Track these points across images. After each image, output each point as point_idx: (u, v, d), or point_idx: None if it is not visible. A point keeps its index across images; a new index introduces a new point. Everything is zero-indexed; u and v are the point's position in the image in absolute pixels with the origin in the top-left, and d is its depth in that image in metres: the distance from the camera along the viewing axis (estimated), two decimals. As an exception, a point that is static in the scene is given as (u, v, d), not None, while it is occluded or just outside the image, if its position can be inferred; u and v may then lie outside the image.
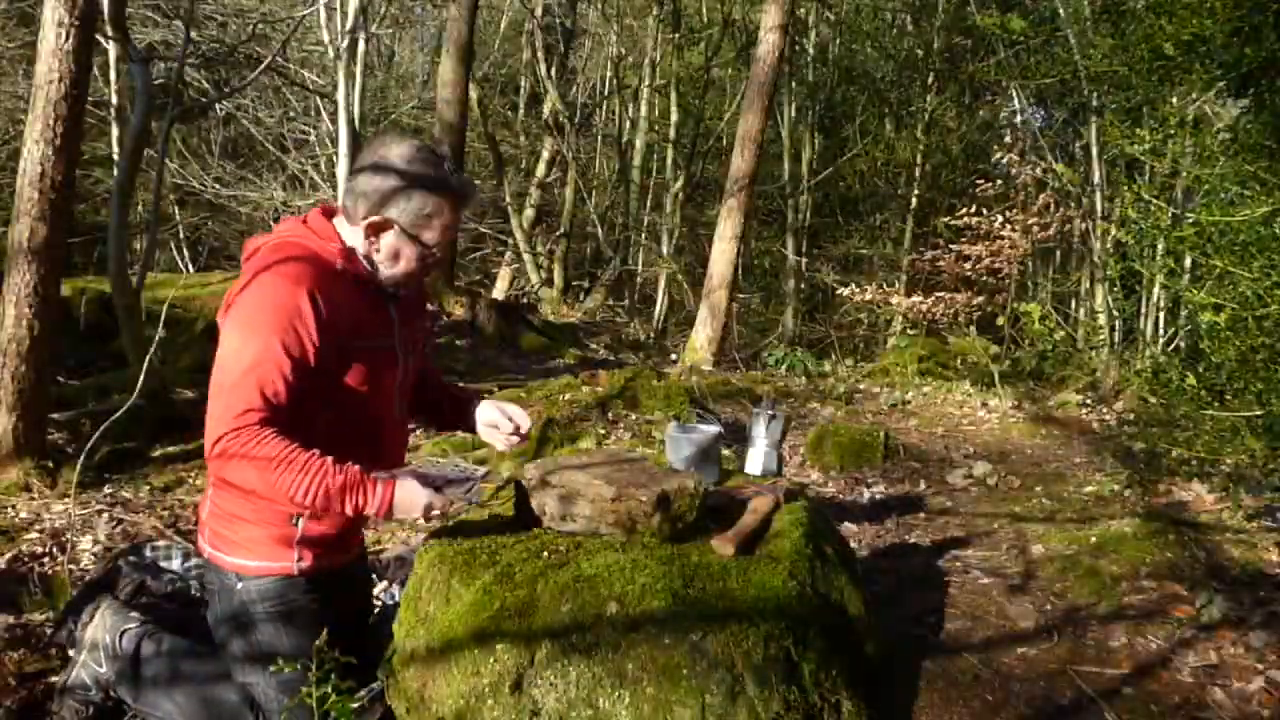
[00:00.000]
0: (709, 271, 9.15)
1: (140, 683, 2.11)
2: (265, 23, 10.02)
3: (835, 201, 15.88)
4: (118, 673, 2.14)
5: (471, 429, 2.25)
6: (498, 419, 2.19)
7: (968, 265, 9.08)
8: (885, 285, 10.57)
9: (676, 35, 14.39)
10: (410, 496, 1.84)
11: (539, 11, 13.81)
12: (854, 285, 10.23)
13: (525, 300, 12.26)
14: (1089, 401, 6.50)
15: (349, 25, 7.40)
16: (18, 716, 2.27)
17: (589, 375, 6.03)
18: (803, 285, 14.61)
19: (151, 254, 6.22)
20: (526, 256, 13.78)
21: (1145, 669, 2.41)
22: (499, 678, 1.71)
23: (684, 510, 2.03)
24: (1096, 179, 9.16)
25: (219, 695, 2.04)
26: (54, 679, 2.35)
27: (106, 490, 4.12)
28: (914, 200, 14.03)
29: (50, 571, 3.18)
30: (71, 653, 2.31)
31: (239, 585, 1.96)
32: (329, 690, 1.57)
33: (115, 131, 9.70)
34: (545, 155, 14.57)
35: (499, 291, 12.27)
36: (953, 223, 9.35)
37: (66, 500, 3.81)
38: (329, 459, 1.80)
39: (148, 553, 2.78)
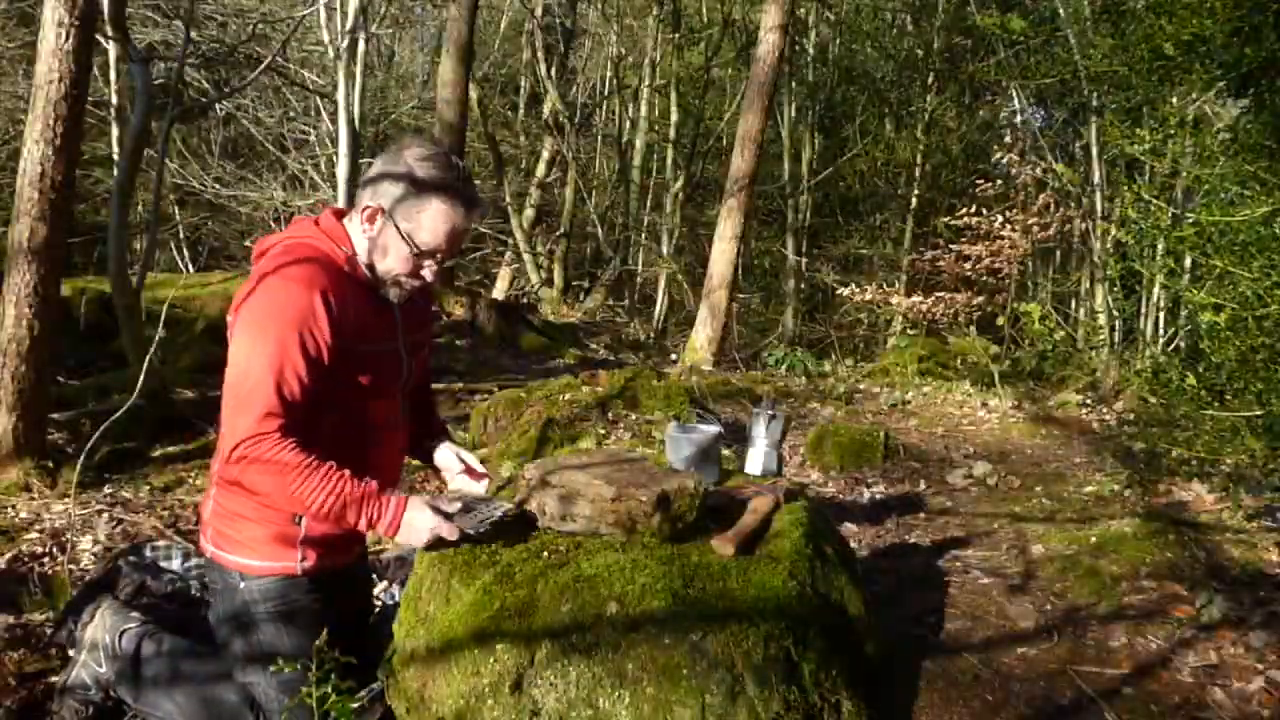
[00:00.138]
0: (709, 271, 9.15)
1: (140, 683, 2.11)
2: (265, 23, 10.02)
3: (835, 201, 15.88)
4: (118, 673, 2.14)
5: (426, 462, 2.29)
6: (453, 463, 2.22)
7: (968, 265, 9.08)
8: (885, 285, 10.57)
9: (676, 35, 14.39)
10: (419, 520, 1.85)
11: (539, 11, 13.81)
12: (854, 285, 10.23)
13: (525, 300, 12.26)
14: (1089, 401, 6.50)
15: (349, 25, 7.39)
16: (18, 716, 2.27)
17: (589, 375, 6.02)
18: (803, 285, 14.61)
19: (151, 254, 6.22)
20: (526, 256, 13.78)
21: (1145, 669, 2.41)
22: (499, 678, 1.71)
23: (684, 510, 2.03)
24: (1096, 179, 9.16)
25: (219, 695, 2.04)
26: (54, 679, 2.35)
27: (106, 490, 4.12)
28: (914, 200, 14.03)
29: (50, 571, 3.18)
30: (71, 653, 2.31)
31: (241, 585, 1.96)
32: (329, 690, 1.57)
33: (115, 131, 9.69)
34: (545, 155, 14.57)
35: (499, 291, 12.27)
36: (953, 223, 9.35)
37: (66, 500, 3.81)
38: (347, 471, 1.81)
39: (148, 553, 2.78)
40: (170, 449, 4.59)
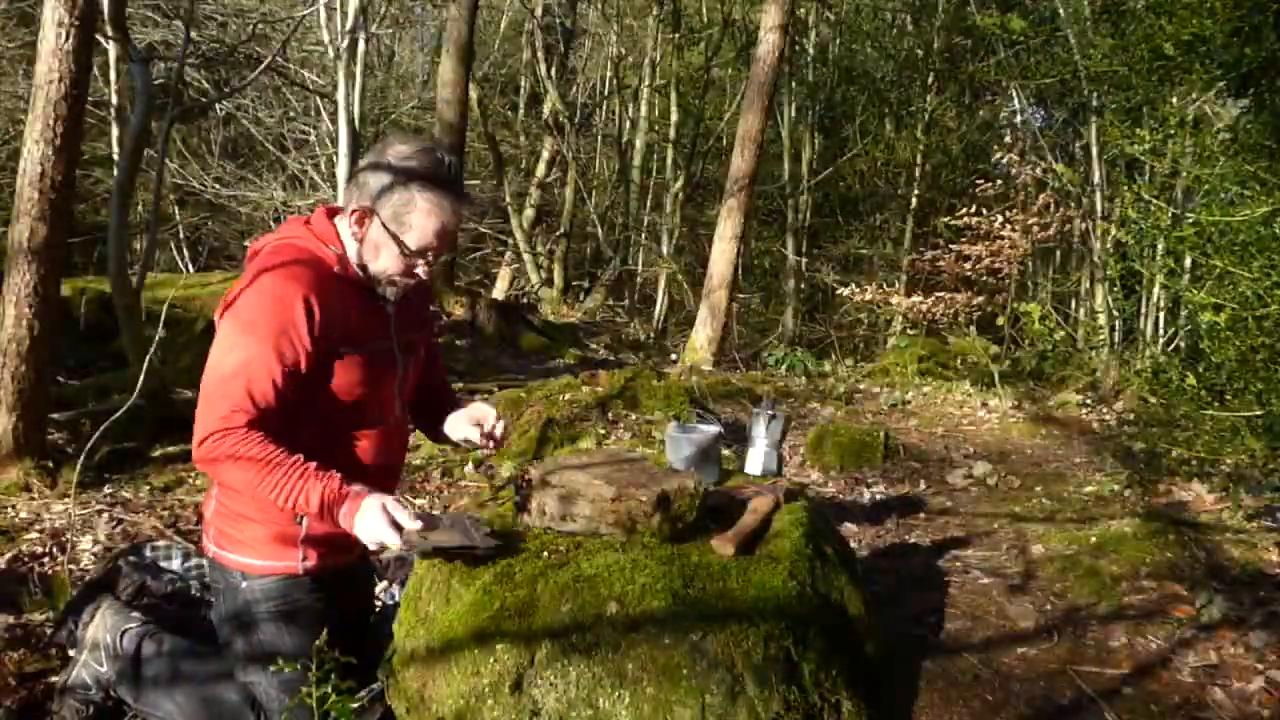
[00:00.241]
0: (709, 271, 9.15)
1: (141, 683, 2.11)
2: (265, 23, 10.02)
3: (835, 201, 15.88)
4: (118, 673, 2.14)
5: (441, 439, 2.23)
6: (466, 426, 2.16)
7: (968, 265, 9.08)
8: (885, 285, 10.57)
9: (676, 35, 14.38)
10: (367, 522, 1.78)
11: (539, 11, 13.81)
12: (854, 285, 10.23)
13: (525, 300, 12.25)
14: (1089, 401, 6.50)
15: (349, 25, 7.40)
16: (18, 716, 2.27)
17: (589, 375, 6.02)
18: (803, 285, 14.61)
19: (151, 254, 6.22)
20: (526, 256, 13.78)
21: (1145, 669, 2.41)
22: (499, 678, 1.71)
23: (684, 510, 2.03)
24: (1096, 179, 9.16)
25: (220, 695, 2.04)
26: (54, 679, 2.35)
27: (106, 490, 4.11)
28: (914, 200, 14.03)
29: (50, 571, 3.18)
30: (72, 653, 2.31)
31: (244, 584, 1.96)
32: (329, 690, 1.57)
33: (115, 131, 9.69)
34: (545, 155, 14.57)
35: (499, 291, 12.26)
36: (953, 223, 9.35)
37: (66, 500, 3.81)
38: (312, 464, 1.78)
39: (148, 553, 2.78)
40: (170, 449, 4.59)
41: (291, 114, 11.62)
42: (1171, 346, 7.98)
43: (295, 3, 10.44)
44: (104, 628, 2.19)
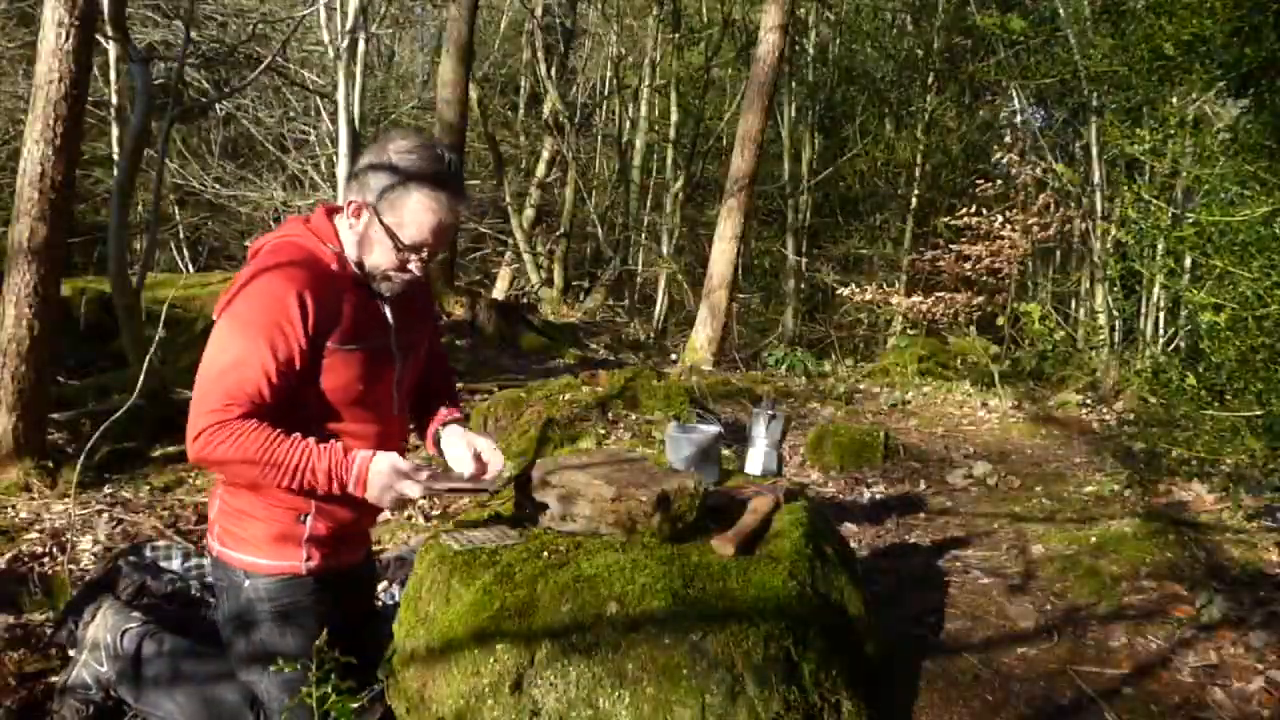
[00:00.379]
0: (709, 271, 9.14)
1: (141, 682, 2.11)
2: (265, 23, 10.02)
3: (835, 201, 15.88)
4: (119, 672, 2.14)
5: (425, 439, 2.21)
6: (463, 454, 2.08)
7: (968, 265, 9.08)
8: (885, 285, 10.57)
9: (676, 35, 14.38)
10: (381, 475, 1.84)
11: (539, 11, 13.81)
12: (854, 285, 10.23)
13: (525, 300, 12.25)
14: (1089, 401, 6.50)
15: (349, 25, 7.40)
16: (18, 716, 2.27)
17: (589, 375, 6.02)
18: (803, 285, 14.61)
19: (151, 254, 6.22)
20: (526, 256, 13.78)
21: (1145, 669, 2.42)
22: (499, 678, 1.71)
23: (684, 510, 2.03)
24: (1096, 179, 9.16)
25: (220, 695, 2.04)
26: (54, 679, 2.35)
27: (106, 490, 4.12)
28: (914, 200, 14.03)
29: (50, 571, 3.18)
30: (72, 653, 2.31)
31: (246, 583, 1.96)
32: (329, 690, 1.57)
33: (115, 131, 9.70)
34: (545, 155, 14.57)
35: (499, 291, 12.26)
36: (953, 223, 9.35)
37: (66, 500, 3.81)
38: (310, 440, 1.82)
39: (148, 553, 2.79)
40: (170, 449, 4.59)
41: (291, 114, 11.62)
42: (1171, 346, 7.98)
43: (295, 3, 10.44)
44: (104, 628, 2.19)
